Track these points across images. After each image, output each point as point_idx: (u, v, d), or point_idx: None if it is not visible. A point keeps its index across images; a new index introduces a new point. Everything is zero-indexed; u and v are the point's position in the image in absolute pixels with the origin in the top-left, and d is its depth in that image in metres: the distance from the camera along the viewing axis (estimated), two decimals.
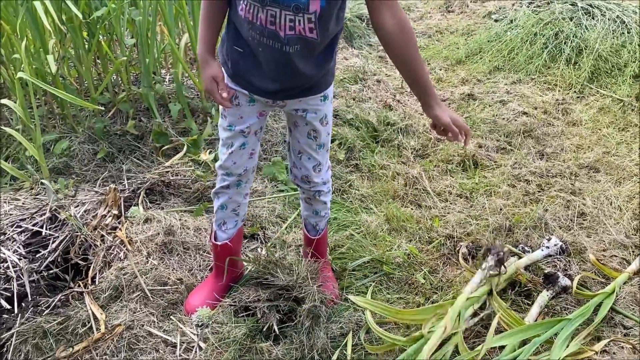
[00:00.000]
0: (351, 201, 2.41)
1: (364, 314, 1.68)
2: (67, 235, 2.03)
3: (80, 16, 2.37)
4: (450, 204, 2.41)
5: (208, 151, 2.58)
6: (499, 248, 1.75)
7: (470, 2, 5.16)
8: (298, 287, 1.67)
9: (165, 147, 2.64)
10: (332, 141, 2.75)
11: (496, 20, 4.42)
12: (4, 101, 2.10)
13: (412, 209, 2.36)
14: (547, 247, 2.04)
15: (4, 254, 1.96)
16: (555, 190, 2.45)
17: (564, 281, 1.85)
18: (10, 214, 2.18)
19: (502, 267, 1.73)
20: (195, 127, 2.77)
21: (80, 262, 1.95)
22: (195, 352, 1.64)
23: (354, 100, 3.19)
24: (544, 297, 1.80)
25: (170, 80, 3.15)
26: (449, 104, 3.31)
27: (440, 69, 3.85)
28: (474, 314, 1.71)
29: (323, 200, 1.81)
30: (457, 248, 2.09)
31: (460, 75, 3.70)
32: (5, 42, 2.48)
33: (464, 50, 4.05)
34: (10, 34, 2.40)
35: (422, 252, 2.09)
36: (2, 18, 2.37)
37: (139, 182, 2.44)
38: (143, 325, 1.69)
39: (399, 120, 2.99)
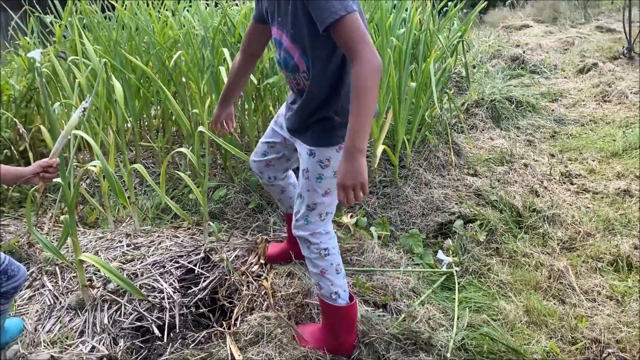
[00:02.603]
0: (489, 285, 2.34)
1: None
2: (217, 277, 2.20)
3: (256, 82, 2.64)
4: (599, 305, 2.24)
5: (350, 215, 2.67)
6: None
7: (631, 93, 4.90)
8: None
9: None
10: (473, 221, 2.72)
11: None
12: (182, 149, 2.37)
13: (555, 303, 2.23)
14: None
15: (162, 285, 2.17)
16: None
17: None
18: (170, 249, 2.42)
19: None
20: None
21: (226, 303, 2.09)
22: None
23: (498, 182, 3.14)
24: None
25: None
26: (602, 197, 3.13)
27: (594, 160, 3.67)
28: None
29: (307, 256, 1.80)
30: (604, 355, 1.93)
31: (616, 169, 3.49)
32: (189, 99, 2.84)
33: (621, 142, 3.83)
34: (195, 92, 2.73)
35: (563, 352, 1.96)
36: (191, 79, 2.72)
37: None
38: None
39: (545, 208, 2.88)
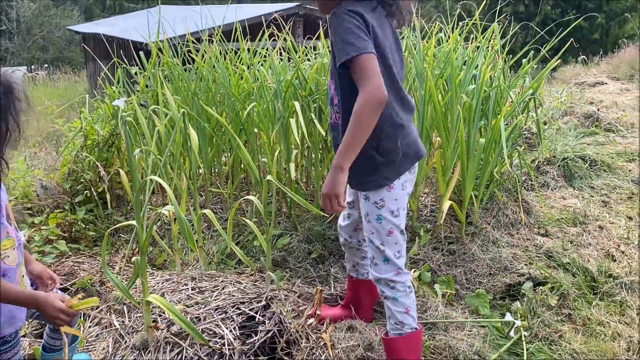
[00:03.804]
0: (560, 354, 2.21)
1: None
2: (276, 326, 2.20)
3: (323, 133, 2.70)
4: None
5: (413, 270, 2.62)
6: None
7: None
8: None
9: None
10: (543, 284, 2.61)
11: None
12: (250, 197, 2.43)
13: None
14: None
15: (223, 331, 2.19)
16: None
17: None
18: (233, 295, 2.44)
19: None
20: None
21: (284, 357, 2.08)
22: None
23: (571, 243, 3.00)
24: None
25: None
26: None
27: None
28: None
29: (392, 297, 1.85)
30: None
31: None
32: (258, 148, 2.93)
33: None
34: (265, 141, 2.82)
35: None
36: (262, 129, 2.82)
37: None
38: None
39: (623, 274, 2.72)
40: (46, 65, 22.11)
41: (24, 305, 1.56)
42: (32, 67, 21.54)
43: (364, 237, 1.93)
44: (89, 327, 2.29)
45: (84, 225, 3.15)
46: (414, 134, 1.83)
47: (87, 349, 2.16)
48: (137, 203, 1.95)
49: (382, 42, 1.67)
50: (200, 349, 2.09)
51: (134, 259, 2.02)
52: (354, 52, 1.55)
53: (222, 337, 2.16)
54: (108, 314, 2.34)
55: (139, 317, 2.27)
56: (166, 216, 2.96)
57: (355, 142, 1.58)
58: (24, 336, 2.25)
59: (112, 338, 2.19)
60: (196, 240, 2.61)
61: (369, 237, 1.84)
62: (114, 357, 2.09)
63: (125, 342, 2.16)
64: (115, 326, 2.25)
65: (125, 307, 2.36)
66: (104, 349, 2.14)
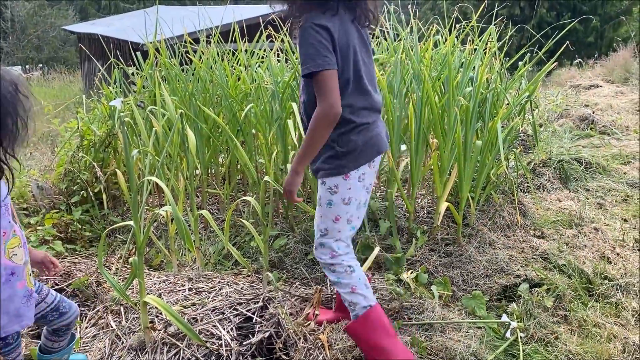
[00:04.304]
0: (556, 355, 2.21)
1: None
2: (274, 327, 2.20)
3: None
4: None
5: (410, 271, 2.63)
6: None
7: None
8: None
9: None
10: (539, 285, 2.62)
11: None
12: (247, 198, 2.44)
13: None
14: None
15: (220, 332, 2.19)
16: None
17: None
18: (230, 296, 2.44)
19: None
20: (399, 246, 2.86)
21: (282, 355, 2.08)
22: None
23: (567, 245, 3.02)
24: None
25: (381, 198, 3.35)
26: None
27: None
28: None
29: (334, 280, 1.92)
30: None
31: None
32: (256, 149, 2.93)
33: None
34: (263, 142, 2.82)
35: None
36: (259, 130, 2.82)
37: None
38: None
39: (618, 276, 2.73)
40: (41, 65, 22.04)
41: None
42: (27, 66, 21.46)
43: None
44: (86, 327, 2.28)
45: (80, 226, 3.14)
46: (378, 130, 1.91)
47: (84, 349, 2.15)
48: (135, 204, 1.95)
49: (349, 50, 1.76)
50: (197, 349, 2.09)
51: (131, 259, 2.02)
52: (314, 68, 1.68)
53: (220, 338, 2.15)
54: (105, 315, 2.34)
55: (136, 317, 2.27)
56: (163, 217, 2.96)
57: (309, 151, 1.77)
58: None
59: (109, 339, 2.19)
60: (193, 241, 2.61)
61: (317, 220, 1.94)
62: (111, 357, 2.09)
63: (122, 342, 2.16)
64: (112, 327, 2.25)
65: (122, 308, 2.35)
66: (100, 349, 2.13)
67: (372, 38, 3.72)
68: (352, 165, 1.83)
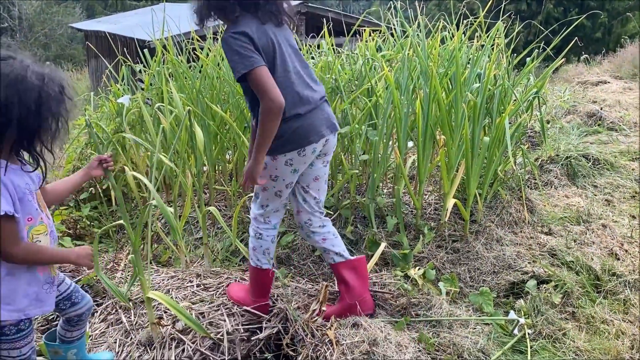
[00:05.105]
0: (564, 352, 2.21)
1: None
2: (281, 323, 2.21)
3: None
4: None
5: (417, 267, 2.63)
6: None
7: None
8: None
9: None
10: (547, 282, 2.62)
11: None
12: None
13: None
14: None
15: (228, 327, 2.20)
16: None
17: None
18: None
19: None
20: (406, 242, 2.86)
21: (290, 352, 2.09)
22: None
23: (574, 242, 3.01)
24: None
25: (388, 194, 3.35)
26: None
27: None
28: None
29: (249, 233, 2.28)
30: None
31: None
32: None
33: None
34: None
35: None
36: None
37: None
38: None
39: (626, 273, 2.72)
40: (48, 63, 22.07)
41: (60, 262, 1.70)
42: None
43: (306, 222, 2.27)
44: (95, 323, 2.30)
45: (88, 222, 3.16)
46: (311, 121, 2.04)
47: (94, 344, 2.17)
48: (122, 206, 1.96)
49: (269, 48, 1.93)
50: (205, 344, 2.10)
51: (130, 257, 2.02)
52: (243, 70, 1.86)
53: (228, 333, 2.17)
54: (114, 311, 2.35)
55: (145, 313, 2.28)
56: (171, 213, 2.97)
57: (265, 142, 1.95)
58: None
59: (118, 334, 2.20)
60: (201, 237, 2.62)
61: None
62: (120, 353, 2.11)
63: (131, 338, 2.17)
64: (122, 322, 2.26)
65: (131, 304, 2.37)
66: (109, 345, 2.15)
67: (380, 34, 3.72)
68: (279, 150, 2.02)
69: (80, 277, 2.60)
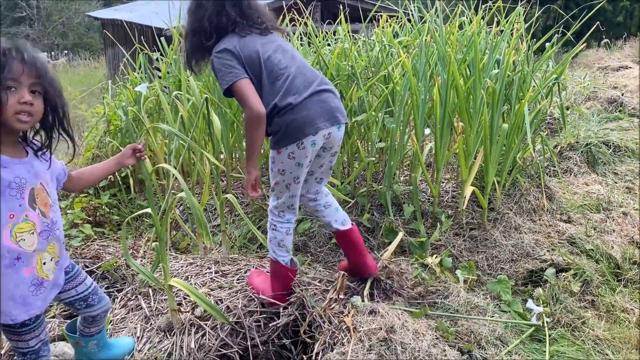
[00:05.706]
0: (583, 340, 2.20)
1: None
2: (298, 310, 2.23)
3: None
4: None
5: (434, 255, 2.62)
6: None
7: None
8: None
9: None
10: (566, 270, 2.59)
11: None
12: None
13: None
14: None
15: (246, 313, 2.22)
16: None
17: None
18: None
19: None
20: (423, 230, 2.85)
21: (307, 339, 2.10)
22: None
23: (594, 230, 2.98)
24: None
25: (404, 182, 3.34)
26: None
27: None
28: None
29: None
30: None
31: None
32: None
33: None
34: None
35: None
36: None
37: None
38: None
39: None
40: (66, 51, 22.32)
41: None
42: (52, 53, 21.76)
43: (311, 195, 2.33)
44: (116, 308, 2.34)
45: (108, 210, 3.20)
46: (305, 113, 2.03)
47: (114, 330, 2.21)
48: (150, 192, 1.98)
49: (252, 55, 2.01)
50: (224, 330, 2.13)
51: (153, 244, 2.05)
52: (225, 85, 1.99)
53: (246, 319, 2.19)
54: (134, 297, 2.39)
55: (164, 299, 2.31)
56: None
57: (253, 149, 2.06)
58: (53, 317, 2.30)
59: (139, 320, 2.24)
60: (219, 225, 2.64)
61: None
62: (140, 338, 2.14)
63: (151, 324, 2.21)
64: (142, 307, 2.29)
65: (150, 290, 2.40)
66: (130, 331, 2.18)
67: (397, 20, 3.68)
68: (280, 143, 2.06)
69: (100, 263, 2.63)
